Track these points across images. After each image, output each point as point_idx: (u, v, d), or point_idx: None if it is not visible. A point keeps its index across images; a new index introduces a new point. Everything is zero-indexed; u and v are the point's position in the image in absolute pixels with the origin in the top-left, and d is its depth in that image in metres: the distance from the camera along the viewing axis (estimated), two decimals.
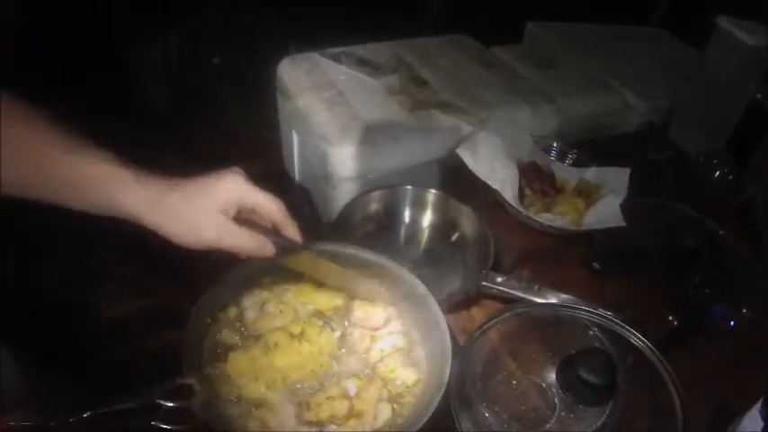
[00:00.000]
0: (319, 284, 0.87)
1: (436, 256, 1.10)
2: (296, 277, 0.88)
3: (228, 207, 0.69)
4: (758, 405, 0.71)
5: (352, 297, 0.87)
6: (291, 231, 0.74)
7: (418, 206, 1.13)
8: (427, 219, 1.13)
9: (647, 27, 1.94)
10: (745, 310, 1.01)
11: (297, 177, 1.58)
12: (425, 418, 0.69)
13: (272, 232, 0.73)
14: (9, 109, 0.64)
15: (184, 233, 0.67)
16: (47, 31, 1.96)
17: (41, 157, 0.65)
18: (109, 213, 0.68)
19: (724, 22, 1.31)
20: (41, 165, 0.65)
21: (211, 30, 2.54)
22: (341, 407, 0.74)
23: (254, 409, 0.73)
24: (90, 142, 0.67)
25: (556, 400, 0.76)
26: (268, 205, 0.71)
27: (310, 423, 0.72)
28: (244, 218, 0.71)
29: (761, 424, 0.70)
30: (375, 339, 0.82)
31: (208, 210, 0.68)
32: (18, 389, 0.80)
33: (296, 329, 0.81)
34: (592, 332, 0.81)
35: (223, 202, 0.68)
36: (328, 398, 0.74)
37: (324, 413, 0.73)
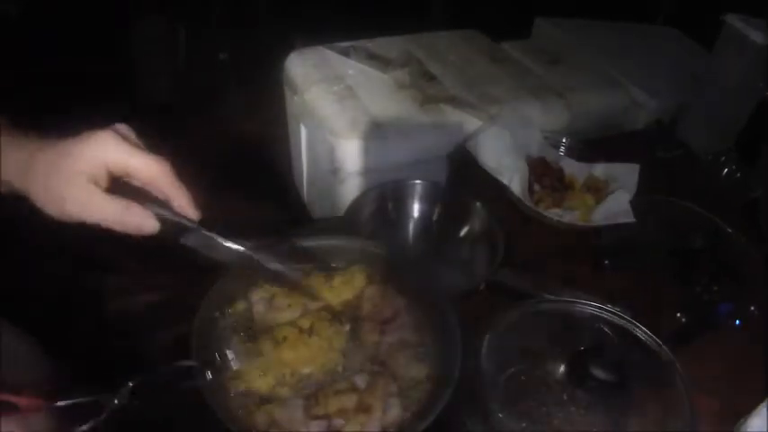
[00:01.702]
0: (328, 279, 0.87)
1: (445, 251, 1.10)
2: (305, 271, 0.88)
3: (97, 174, 0.58)
4: (766, 403, 0.72)
5: (361, 291, 0.87)
6: (181, 201, 0.62)
7: (427, 201, 1.13)
8: (436, 214, 1.13)
9: (656, 25, 1.93)
10: (752, 308, 1.01)
11: (304, 172, 1.58)
12: (435, 413, 0.69)
13: (164, 205, 0.62)
14: None
15: (48, 203, 0.58)
16: (49, 25, 1.96)
17: None
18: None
19: (733, 21, 1.30)
20: None
21: (218, 26, 2.54)
22: (349, 401, 0.73)
23: (262, 403, 0.73)
24: None
25: (565, 396, 0.76)
26: (148, 169, 0.60)
27: (319, 417, 0.72)
28: (134, 189, 0.61)
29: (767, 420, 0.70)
30: (384, 334, 0.82)
31: (72, 176, 0.57)
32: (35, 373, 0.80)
33: (305, 324, 0.80)
34: (600, 328, 0.81)
35: (90, 168, 0.58)
36: (337, 392, 0.74)
37: (332, 407, 0.72)
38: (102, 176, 0.58)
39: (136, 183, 0.61)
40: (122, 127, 0.61)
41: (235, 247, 0.67)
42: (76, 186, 0.57)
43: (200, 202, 0.65)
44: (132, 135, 0.61)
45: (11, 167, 0.58)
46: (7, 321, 0.79)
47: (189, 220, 0.63)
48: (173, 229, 0.62)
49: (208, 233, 0.65)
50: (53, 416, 0.49)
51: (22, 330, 0.81)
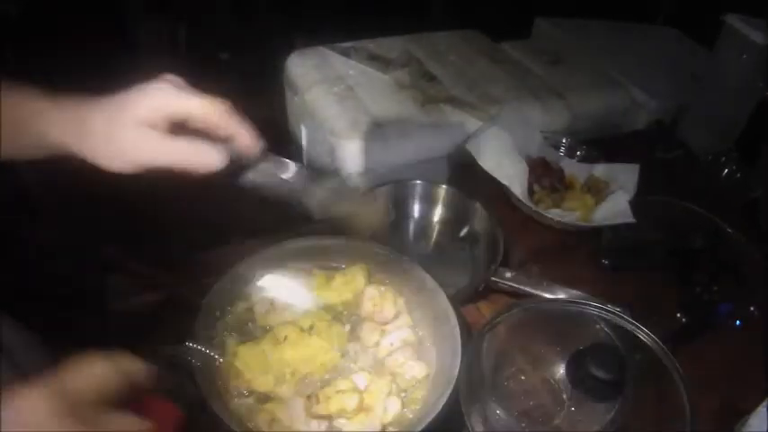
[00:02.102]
0: (329, 278, 0.88)
1: (445, 251, 1.10)
2: (306, 271, 0.88)
3: (156, 119, 0.58)
4: (766, 402, 0.72)
5: (362, 291, 0.87)
6: (245, 138, 0.62)
7: (427, 201, 1.13)
8: (436, 214, 1.13)
9: (656, 25, 1.94)
10: (752, 308, 1.01)
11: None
12: (435, 413, 0.69)
13: (226, 143, 0.61)
14: None
15: (111, 156, 0.59)
16: (50, 19, 1.96)
17: None
18: (45, 152, 0.62)
19: (733, 21, 1.30)
20: None
21: (218, 26, 2.54)
22: (350, 401, 0.73)
23: (263, 402, 0.74)
24: (21, 86, 0.61)
25: (564, 395, 0.77)
26: (207, 110, 0.60)
27: (320, 416, 0.73)
28: (194, 132, 0.60)
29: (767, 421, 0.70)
30: (385, 333, 0.82)
31: (132, 125, 0.58)
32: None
33: (306, 323, 0.81)
34: (600, 327, 0.81)
35: (148, 114, 0.58)
36: (338, 391, 0.74)
37: (333, 407, 0.73)
38: (163, 122, 0.59)
39: (196, 125, 0.60)
40: (172, 76, 0.61)
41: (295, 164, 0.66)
42: (141, 134, 0.58)
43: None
44: (183, 83, 0.61)
45: (63, 131, 0.59)
46: (11, 318, 0.80)
47: (253, 154, 0.62)
48: (235, 166, 0.62)
49: (275, 156, 0.65)
50: None
51: (24, 326, 0.81)
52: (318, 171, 0.68)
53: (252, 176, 0.64)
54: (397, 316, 0.85)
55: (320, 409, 0.73)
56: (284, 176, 0.65)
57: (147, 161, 0.58)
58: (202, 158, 0.59)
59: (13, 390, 0.46)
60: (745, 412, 0.76)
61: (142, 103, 0.58)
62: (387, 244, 0.90)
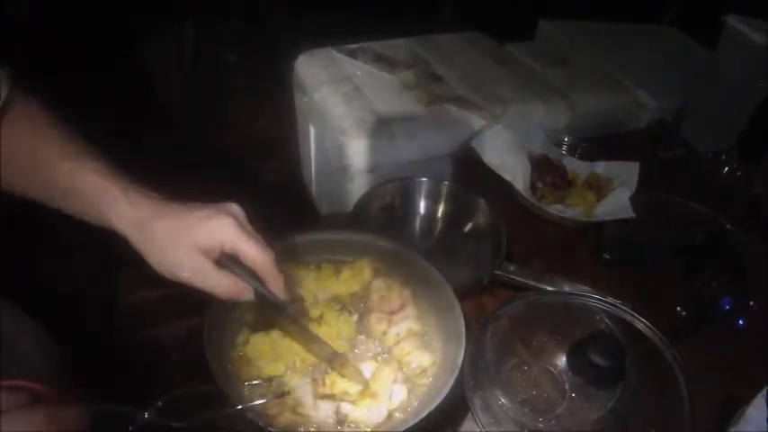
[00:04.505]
0: (338, 271, 0.90)
1: (450, 246, 1.12)
2: (315, 264, 0.90)
3: (212, 250, 0.66)
4: (764, 392, 0.72)
5: (369, 283, 0.89)
6: (276, 287, 0.71)
7: (433, 197, 1.15)
8: (441, 210, 1.15)
9: (659, 26, 1.95)
10: (752, 303, 1.02)
11: (313, 170, 1.61)
12: (439, 400, 0.71)
13: (256, 278, 0.70)
14: (18, 109, 0.65)
15: (163, 265, 0.66)
16: (59, 22, 1.98)
17: (38, 162, 0.66)
18: (100, 225, 0.67)
19: (734, 21, 1.31)
20: (37, 170, 0.66)
21: (227, 27, 2.56)
22: (356, 386, 0.75)
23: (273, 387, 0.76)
24: (88, 149, 0.67)
25: (566, 385, 0.78)
26: (256, 256, 0.68)
27: (326, 396, 0.75)
28: (228, 254, 0.68)
29: (766, 411, 0.71)
30: (391, 323, 0.84)
31: (189, 249, 0.65)
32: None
33: (315, 313, 0.83)
34: (601, 319, 0.83)
35: (207, 245, 0.66)
36: (344, 374, 0.76)
37: (338, 388, 0.75)
38: (216, 253, 0.66)
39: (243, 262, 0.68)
40: (235, 208, 0.69)
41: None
42: (194, 258, 0.65)
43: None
44: (243, 216, 0.69)
45: (127, 224, 0.65)
46: (18, 312, 0.82)
47: (277, 299, 0.72)
48: (260, 299, 0.71)
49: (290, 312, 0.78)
50: (81, 418, 0.51)
51: (35, 321, 0.83)
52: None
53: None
54: (403, 307, 0.86)
55: (325, 389, 0.75)
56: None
57: (192, 282, 0.66)
58: (236, 294, 0.68)
59: None
60: (743, 404, 0.77)
61: (204, 234, 0.66)
62: (393, 238, 0.92)
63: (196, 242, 0.65)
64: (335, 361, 0.77)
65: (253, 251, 0.67)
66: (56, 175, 0.66)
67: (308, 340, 0.78)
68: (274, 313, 0.78)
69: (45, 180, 0.66)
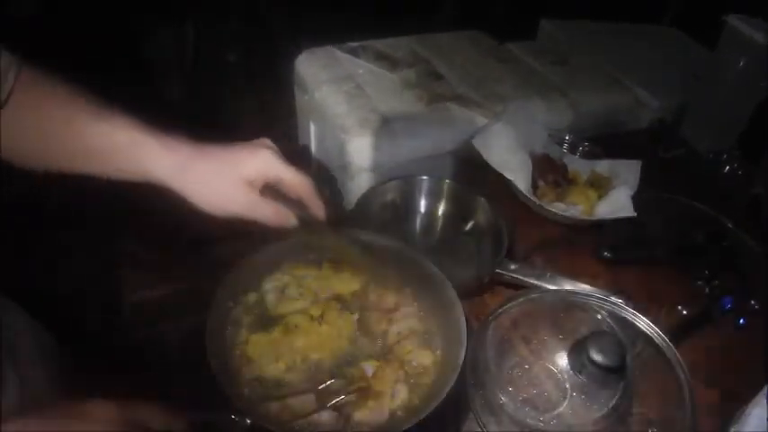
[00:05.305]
0: (338, 270, 0.90)
1: (451, 245, 1.12)
2: (316, 263, 0.90)
3: (256, 180, 0.71)
4: (764, 391, 0.72)
5: (369, 281, 0.89)
6: (317, 209, 0.76)
7: (434, 196, 1.15)
8: (442, 208, 1.15)
9: (659, 26, 1.95)
10: (753, 302, 1.02)
11: (313, 168, 1.60)
12: (441, 399, 0.71)
13: (297, 205, 0.75)
14: (31, 79, 0.66)
15: (211, 201, 0.70)
16: (61, 20, 1.98)
17: (65, 126, 0.67)
18: (136, 179, 0.69)
19: (734, 21, 1.31)
20: (66, 134, 0.67)
21: (227, 27, 2.55)
22: (359, 387, 0.76)
23: (274, 388, 0.76)
24: (113, 110, 0.68)
25: (567, 384, 0.78)
26: (295, 182, 0.73)
27: (329, 402, 0.74)
28: (269, 188, 0.73)
29: (767, 410, 0.71)
30: (392, 322, 0.84)
31: (236, 181, 0.70)
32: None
33: (316, 312, 0.83)
34: (602, 318, 0.83)
35: (251, 175, 0.70)
36: (346, 378, 0.77)
37: (342, 392, 0.75)
38: (258, 182, 0.71)
39: (284, 189, 0.74)
40: (270, 143, 0.74)
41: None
42: (243, 191, 0.70)
43: None
44: (278, 149, 0.73)
45: (167, 171, 0.68)
46: (23, 314, 0.82)
47: (318, 220, 0.77)
48: (303, 223, 0.76)
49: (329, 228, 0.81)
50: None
51: (35, 321, 0.83)
52: None
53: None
54: (404, 305, 0.86)
55: (330, 395, 0.75)
56: None
57: (240, 213, 0.71)
58: (283, 220, 0.73)
59: (10, 417, 0.46)
60: (744, 402, 0.77)
61: (251, 165, 0.70)
62: (394, 237, 0.92)
63: (242, 175, 0.69)
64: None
65: (295, 177, 0.72)
66: (86, 135, 0.67)
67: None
68: (316, 240, 0.84)
69: (84, 147, 0.68)
